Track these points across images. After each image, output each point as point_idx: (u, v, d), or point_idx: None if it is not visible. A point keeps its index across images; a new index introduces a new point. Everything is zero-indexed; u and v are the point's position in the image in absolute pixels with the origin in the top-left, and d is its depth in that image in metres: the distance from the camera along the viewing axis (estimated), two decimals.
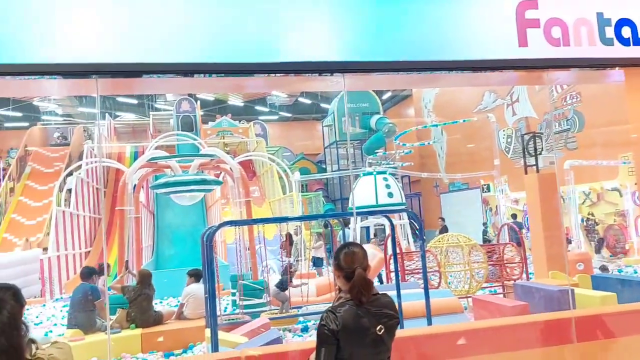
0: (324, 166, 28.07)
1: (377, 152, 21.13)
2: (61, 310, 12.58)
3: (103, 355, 7.16)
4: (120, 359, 7.19)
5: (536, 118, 17.34)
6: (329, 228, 12.97)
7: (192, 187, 10.12)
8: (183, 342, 7.57)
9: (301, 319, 8.73)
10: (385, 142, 23.24)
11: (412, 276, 8.57)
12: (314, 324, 8.52)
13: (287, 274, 8.58)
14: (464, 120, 17.52)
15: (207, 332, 6.92)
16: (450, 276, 9.03)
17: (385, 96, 29.03)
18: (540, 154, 10.82)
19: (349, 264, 2.68)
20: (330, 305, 2.76)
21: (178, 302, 12.71)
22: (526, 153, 15.37)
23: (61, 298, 14.35)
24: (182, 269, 14.54)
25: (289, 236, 14.30)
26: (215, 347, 5.01)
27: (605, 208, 14.38)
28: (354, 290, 2.60)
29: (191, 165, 10.70)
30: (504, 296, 9.21)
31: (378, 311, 2.62)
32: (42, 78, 3.29)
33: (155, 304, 8.62)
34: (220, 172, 13.81)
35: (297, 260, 13.45)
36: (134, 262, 10.39)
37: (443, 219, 16.62)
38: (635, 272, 11.79)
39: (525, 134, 11.89)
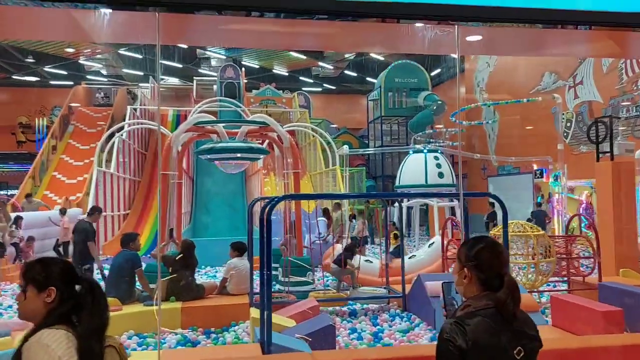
0: (367, 141, 27.30)
1: (425, 131, 20.25)
2: (97, 273, 12.41)
3: (140, 327, 6.78)
4: (158, 334, 6.80)
5: (601, 102, 16.16)
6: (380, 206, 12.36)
7: (239, 154, 9.60)
8: (225, 319, 7.14)
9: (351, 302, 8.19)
10: (434, 119, 22.30)
11: None
12: (362, 307, 7.98)
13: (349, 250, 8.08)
14: (528, 100, 16.47)
15: (253, 311, 6.46)
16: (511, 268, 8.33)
17: (434, 72, 27.88)
18: (616, 140, 9.88)
19: (495, 267, 2.06)
20: (449, 313, 2.16)
21: (216, 272, 12.51)
22: (591, 140, 14.38)
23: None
24: (219, 239, 14.32)
25: (326, 211, 13.71)
26: (268, 337, 4.49)
27: None
28: (502, 302, 2.00)
29: (238, 132, 10.17)
30: (569, 292, 8.47)
31: (518, 329, 2.01)
32: (93, 7, 2.71)
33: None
34: (263, 141, 13.33)
35: (338, 237, 12.91)
36: (174, 230, 10.02)
37: (493, 204, 15.76)
38: None
39: (603, 117, 10.88)
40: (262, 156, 10.74)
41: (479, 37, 7.35)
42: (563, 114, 17.80)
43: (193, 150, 16.13)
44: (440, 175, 13.56)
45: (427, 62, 26.17)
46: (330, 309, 7.76)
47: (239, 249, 7.91)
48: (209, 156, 9.91)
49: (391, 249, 9.63)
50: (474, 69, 24.47)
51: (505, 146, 20.89)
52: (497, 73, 22.47)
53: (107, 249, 14.69)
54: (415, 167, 13.76)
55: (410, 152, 14.42)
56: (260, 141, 13.12)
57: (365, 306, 8.05)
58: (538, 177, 18.24)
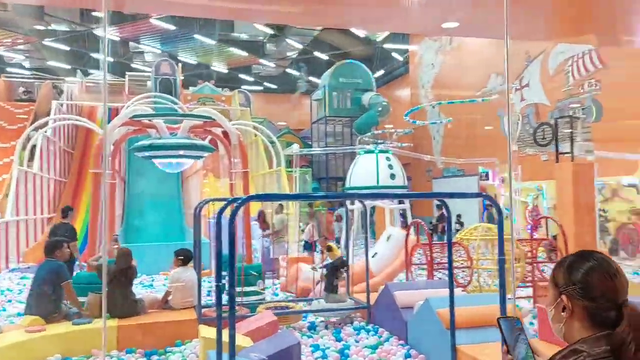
0: (309, 142, 26.68)
1: (372, 132, 19.83)
2: (18, 283, 11.06)
3: (68, 350, 5.75)
4: (90, 357, 5.79)
5: (547, 105, 16.29)
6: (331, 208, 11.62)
7: (182, 151, 8.63)
8: (168, 338, 6.21)
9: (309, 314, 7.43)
10: (378, 121, 21.98)
11: (441, 272, 7.37)
12: (322, 321, 7.26)
13: (337, 270, 7.27)
14: (482, 100, 16.35)
15: (202, 329, 5.59)
16: (475, 273, 7.88)
17: (378, 74, 27.68)
18: (576, 141, 9.71)
19: (610, 293, 1.43)
20: None
21: (152, 281, 11.43)
22: (538, 142, 14.35)
23: (18, 268, 12.76)
24: (154, 245, 13.20)
25: (262, 214, 12.75)
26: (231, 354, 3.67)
27: (620, 205, 13.47)
28: (620, 343, 1.36)
29: (180, 127, 9.20)
30: (535, 299, 8.13)
31: None
32: None
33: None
34: (205, 138, 12.41)
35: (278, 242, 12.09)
36: (105, 234, 8.90)
37: (440, 206, 15.51)
38: None
39: (560, 117, 10.74)
40: (206, 154, 9.80)
41: (455, 24, 6.85)
42: (518, 116, 17.89)
43: (125, 147, 14.93)
44: (392, 176, 13.07)
45: (375, 62, 25.96)
46: (288, 324, 6.99)
47: (184, 257, 7.00)
48: (147, 153, 8.87)
49: (324, 263, 8.94)
50: (418, 71, 24.41)
51: (450, 148, 20.85)
52: (442, 74, 22.46)
53: (29, 257, 13.24)
54: (367, 168, 13.21)
55: (361, 152, 13.86)
56: (203, 138, 12.19)
57: (323, 319, 7.32)
58: (484, 180, 18.22)
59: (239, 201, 4.09)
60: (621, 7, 6.30)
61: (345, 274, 7.41)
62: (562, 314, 1.47)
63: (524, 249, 7.76)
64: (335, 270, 7.21)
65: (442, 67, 22.44)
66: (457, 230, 14.73)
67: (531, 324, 6.63)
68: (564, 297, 1.47)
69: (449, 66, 21.91)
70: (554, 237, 10.82)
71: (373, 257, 8.78)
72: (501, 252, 4.30)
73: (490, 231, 7.80)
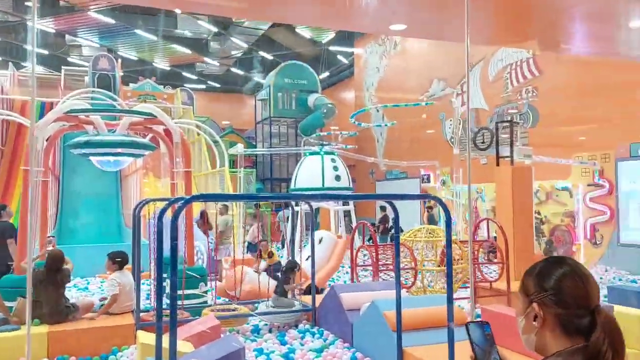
0: (254, 142, 26.39)
1: (317, 133, 19.81)
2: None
3: None
4: None
5: (486, 110, 16.79)
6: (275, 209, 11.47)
7: (121, 149, 8.26)
8: (104, 344, 5.89)
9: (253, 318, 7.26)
10: (324, 122, 22.01)
11: (385, 274, 7.39)
12: (266, 324, 7.11)
13: (288, 273, 7.09)
14: (426, 103, 16.63)
15: (141, 335, 5.33)
16: (419, 274, 7.95)
17: (324, 75, 27.74)
18: (516, 145, 10.00)
19: (582, 298, 1.38)
20: None
21: (88, 284, 10.90)
22: (477, 146, 14.74)
23: None
24: (89, 246, 12.64)
25: (205, 215, 12.41)
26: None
27: (554, 207, 14.03)
28: (596, 352, 1.31)
29: (119, 124, 8.81)
30: (476, 301, 8.30)
31: None
32: None
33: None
34: (145, 136, 12.01)
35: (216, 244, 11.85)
36: (33, 234, 8.40)
37: (384, 208, 15.67)
38: None
39: (500, 121, 11.04)
40: (146, 152, 9.43)
41: (403, 27, 6.87)
42: (450, 120, 18.31)
43: (60, 144, 14.22)
44: (337, 178, 13.10)
45: (320, 64, 25.99)
46: (231, 328, 6.80)
47: (120, 261, 6.68)
48: (83, 151, 8.43)
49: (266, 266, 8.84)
50: (363, 74, 24.63)
51: (394, 150, 21.14)
52: (387, 78, 22.75)
53: None
54: (312, 169, 13.16)
55: (307, 153, 13.80)
56: (143, 136, 11.77)
57: (267, 323, 7.17)
58: (425, 182, 18.58)
59: (182, 201, 3.90)
60: (558, 14, 6.50)
61: (296, 277, 7.30)
62: (534, 323, 1.42)
63: (466, 250, 7.90)
64: (289, 273, 7.09)
65: (386, 70, 22.74)
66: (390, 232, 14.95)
67: None
68: (535, 305, 1.42)
69: (393, 70, 22.23)
70: (494, 238, 11.14)
71: (307, 259, 8.71)
72: (449, 253, 4.31)
73: (434, 233, 7.90)
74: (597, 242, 13.04)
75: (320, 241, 9.42)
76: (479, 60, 17.09)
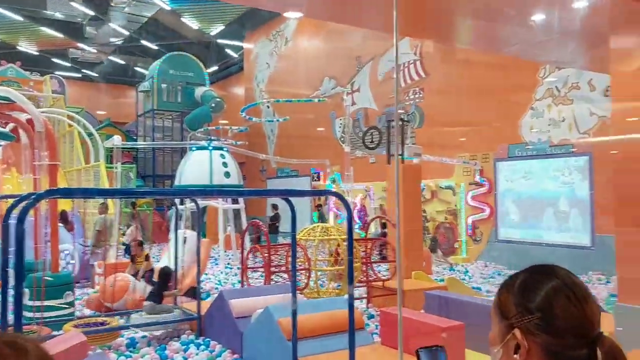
0: (135, 137, 24.72)
1: (204, 128, 18.89)
2: None
3: None
4: None
5: (376, 110, 16.97)
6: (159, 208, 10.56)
7: None
8: None
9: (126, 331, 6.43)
10: (212, 117, 21.10)
11: (278, 275, 6.92)
12: (144, 337, 6.33)
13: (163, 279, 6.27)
14: (319, 100, 16.39)
15: None
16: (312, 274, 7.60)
17: (212, 69, 26.69)
18: (406, 144, 10.02)
19: (580, 322, 1.00)
20: None
21: None
22: (366, 145, 14.82)
23: None
24: None
25: (64, 214, 11.10)
26: None
27: (438, 206, 14.46)
28: None
29: None
30: (369, 300, 8.12)
31: None
32: None
33: None
34: (6, 124, 10.58)
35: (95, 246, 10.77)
36: None
37: (276, 206, 15.22)
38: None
39: (392, 120, 11.03)
40: (3, 142, 8.18)
41: (299, 14, 6.42)
42: (340, 119, 18.31)
43: None
44: (227, 174, 12.42)
45: (209, 57, 24.96)
46: (102, 345, 5.95)
47: None
48: None
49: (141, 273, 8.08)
50: (253, 69, 24.02)
51: (285, 148, 20.78)
52: (277, 75, 22.34)
53: None
54: (199, 165, 12.37)
55: (193, 148, 12.96)
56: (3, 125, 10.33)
57: (145, 334, 6.40)
58: (316, 180, 18.42)
59: (33, 197, 3.13)
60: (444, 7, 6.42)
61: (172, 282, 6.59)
62: (515, 356, 1.01)
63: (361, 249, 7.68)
64: (166, 278, 6.36)
65: (277, 67, 22.34)
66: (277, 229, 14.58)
67: (375, 334, 6.49)
68: (517, 332, 1.02)
69: (284, 67, 21.89)
70: (384, 234, 11.13)
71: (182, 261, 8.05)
72: (351, 252, 3.94)
73: (329, 231, 7.58)
74: (478, 239, 13.60)
75: (184, 242, 8.76)
76: (368, 60, 17.24)
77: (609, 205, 10.60)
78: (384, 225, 11.76)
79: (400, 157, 9.85)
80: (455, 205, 14.08)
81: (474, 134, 13.95)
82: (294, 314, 4.39)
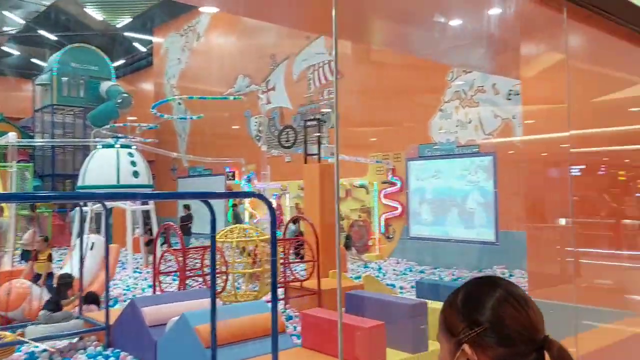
0: (31, 133, 23.01)
1: (110, 125, 17.92)
2: None
3: None
4: None
5: (290, 109, 16.91)
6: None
7: None
8: None
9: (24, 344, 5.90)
10: (118, 113, 20.07)
11: (193, 280, 6.65)
12: (45, 350, 5.84)
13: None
14: (234, 98, 16.01)
15: None
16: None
17: (119, 63, 25.39)
18: (322, 144, 10.04)
19: (527, 328, 1.00)
20: None
21: None
22: (282, 144, 14.75)
23: None
24: None
25: None
26: None
27: (352, 204, 14.66)
28: None
29: None
30: (286, 301, 8.03)
31: None
32: None
33: None
34: None
35: None
36: None
37: (188, 207, 14.73)
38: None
39: (308, 119, 11.01)
40: None
41: (214, 9, 6.19)
42: (255, 117, 18.07)
43: None
44: (136, 174, 11.84)
45: (114, 50, 23.72)
46: None
47: None
48: None
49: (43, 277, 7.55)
50: (164, 64, 23.14)
51: (197, 146, 20.20)
52: (189, 71, 21.66)
53: None
54: (105, 164, 11.69)
55: (99, 146, 12.23)
56: None
57: (46, 348, 5.91)
58: (230, 179, 18.08)
59: None
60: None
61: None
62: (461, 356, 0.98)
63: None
64: (65, 286, 5.90)
65: (189, 63, 21.68)
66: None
67: (294, 335, 6.40)
68: (466, 347, 0.98)
69: (197, 63, 21.28)
70: (301, 233, 11.08)
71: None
72: (274, 253, 3.82)
73: (247, 232, 7.41)
74: (390, 236, 13.95)
75: (92, 247, 8.26)
76: (283, 59, 17.14)
77: (511, 203, 11.33)
78: (295, 221, 11.64)
79: (316, 156, 9.88)
80: (369, 204, 14.35)
81: (387, 134, 14.28)
82: (213, 320, 4.21)
